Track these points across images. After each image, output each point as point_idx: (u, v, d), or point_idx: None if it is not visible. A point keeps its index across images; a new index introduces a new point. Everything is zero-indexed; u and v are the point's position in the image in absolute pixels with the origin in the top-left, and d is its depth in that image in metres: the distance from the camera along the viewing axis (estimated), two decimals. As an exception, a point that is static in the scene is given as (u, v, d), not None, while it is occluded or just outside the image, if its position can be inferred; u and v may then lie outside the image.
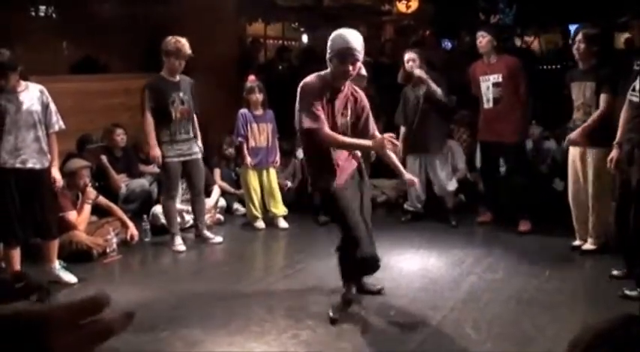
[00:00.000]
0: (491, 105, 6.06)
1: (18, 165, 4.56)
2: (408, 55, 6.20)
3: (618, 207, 4.82)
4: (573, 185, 5.47)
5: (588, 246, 5.41)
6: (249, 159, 6.42)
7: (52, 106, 4.75)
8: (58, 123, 4.78)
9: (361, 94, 4.14)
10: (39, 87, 4.70)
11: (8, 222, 4.59)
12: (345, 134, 3.99)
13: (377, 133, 4.11)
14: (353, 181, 4.14)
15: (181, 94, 5.64)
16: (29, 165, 4.60)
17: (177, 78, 5.66)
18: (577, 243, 5.55)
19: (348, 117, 4.05)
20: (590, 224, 5.38)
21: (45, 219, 4.76)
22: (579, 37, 5.23)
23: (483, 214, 6.44)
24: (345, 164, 4.09)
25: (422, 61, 6.19)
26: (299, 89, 3.90)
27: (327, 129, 3.84)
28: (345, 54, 3.78)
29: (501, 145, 6.06)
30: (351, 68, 3.81)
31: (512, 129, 5.97)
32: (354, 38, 3.81)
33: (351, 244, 3.99)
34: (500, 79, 5.97)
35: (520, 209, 6.16)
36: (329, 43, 3.86)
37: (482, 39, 6.04)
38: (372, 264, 4.08)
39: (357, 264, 4.08)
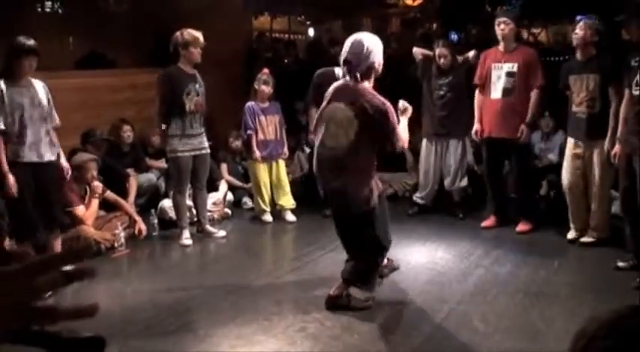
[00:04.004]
0: (499, 95, 5.74)
1: (36, 159, 4.68)
2: (440, 51, 6.15)
3: (623, 200, 4.81)
4: (570, 176, 5.42)
5: (587, 238, 5.35)
6: (257, 153, 6.41)
7: (51, 102, 4.87)
8: (56, 118, 4.90)
9: None
10: (40, 82, 4.79)
11: (25, 218, 4.66)
12: None
13: None
14: None
15: (197, 86, 5.65)
16: (45, 158, 4.74)
17: (194, 70, 5.68)
18: (572, 235, 5.51)
19: None
20: (592, 217, 5.34)
21: (54, 211, 4.86)
22: (580, 24, 5.17)
23: (487, 219, 6.13)
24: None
25: (452, 55, 6.17)
26: (388, 108, 3.94)
27: None
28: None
29: (507, 142, 5.76)
30: None
31: (519, 123, 5.68)
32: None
33: (380, 249, 4.21)
34: (515, 69, 5.67)
35: (519, 208, 6.03)
36: (377, 49, 4.00)
37: (506, 26, 5.69)
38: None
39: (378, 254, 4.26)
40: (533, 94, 5.68)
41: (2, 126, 4.54)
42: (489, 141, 5.92)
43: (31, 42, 4.63)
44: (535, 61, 5.80)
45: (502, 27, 5.73)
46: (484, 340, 3.73)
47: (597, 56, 5.19)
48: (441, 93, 6.20)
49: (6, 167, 4.55)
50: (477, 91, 5.99)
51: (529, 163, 6.13)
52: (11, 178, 4.54)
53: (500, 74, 5.75)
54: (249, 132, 6.41)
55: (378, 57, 3.98)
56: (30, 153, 4.65)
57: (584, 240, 5.38)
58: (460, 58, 6.23)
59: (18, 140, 4.59)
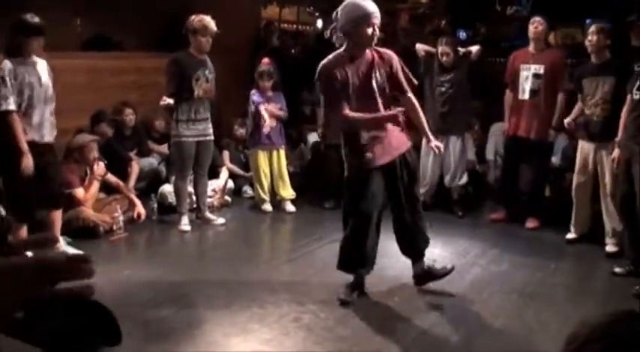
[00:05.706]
0: (526, 96, 5.81)
1: (37, 139, 4.67)
2: (443, 48, 6.15)
3: (622, 206, 4.80)
4: (579, 177, 5.44)
5: (611, 247, 5.20)
6: (266, 116, 6.32)
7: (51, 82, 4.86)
8: (54, 99, 4.89)
9: (387, 53, 4.16)
10: (44, 61, 4.78)
11: (24, 198, 4.66)
12: (381, 98, 4.08)
13: (409, 92, 4.26)
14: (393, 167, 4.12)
15: (206, 72, 5.64)
16: (46, 139, 4.74)
17: (204, 56, 5.67)
18: (571, 236, 5.52)
19: (380, 81, 4.08)
20: (607, 224, 5.23)
21: (53, 190, 4.87)
22: (592, 29, 5.18)
23: (497, 212, 6.21)
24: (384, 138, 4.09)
25: (455, 52, 6.17)
26: (319, 74, 4.02)
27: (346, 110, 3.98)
28: (369, 18, 3.87)
29: (528, 141, 5.85)
30: (374, 32, 3.92)
31: (542, 125, 5.77)
32: (370, 3, 3.93)
33: (353, 230, 4.10)
34: (542, 71, 5.73)
35: (530, 205, 6.08)
36: (345, 14, 3.89)
37: (540, 26, 5.76)
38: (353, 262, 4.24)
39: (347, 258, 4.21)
40: (560, 97, 5.78)
41: (13, 107, 4.50)
42: (513, 138, 5.99)
43: (38, 20, 4.62)
44: (562, 65, 5.91)
45: (535, 25, 5.81)
46: (477, 338, 3.74)
47: (612, 59, 5.21)
48: (443, 89, 6.21)
49: (25, 146, 4.53)
50: (507, 90, 6.09)
51: (548, 164, 6.21)
52: (30, 158, 4.53)
53: (527, 75, 5.83)
54: (256, 104, 6.37)
55: (342, 21, 3.93)
56: (34, 133, 4.65)
57: (609, 250, 5.19)
58: (461, 51, 6.22)
59: (24, 119, 4.59)
